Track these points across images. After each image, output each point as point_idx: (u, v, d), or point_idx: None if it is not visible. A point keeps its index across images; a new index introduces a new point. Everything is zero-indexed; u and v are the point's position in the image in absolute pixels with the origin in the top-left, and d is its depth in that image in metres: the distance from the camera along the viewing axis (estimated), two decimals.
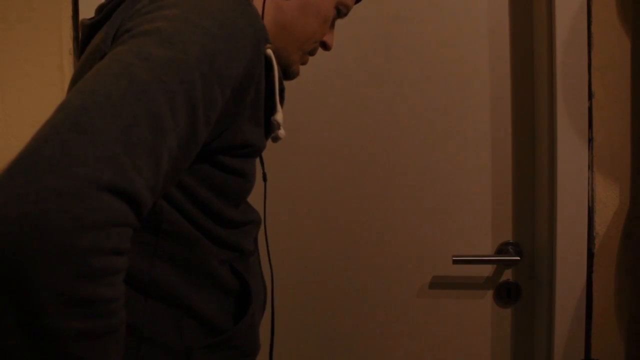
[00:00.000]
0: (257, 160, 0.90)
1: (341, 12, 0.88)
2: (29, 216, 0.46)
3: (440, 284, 1.43)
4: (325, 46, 0.91)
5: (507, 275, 1.42)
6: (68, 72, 1.35)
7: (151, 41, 0.58)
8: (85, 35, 0.80)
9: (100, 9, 0.78)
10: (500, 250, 1.41)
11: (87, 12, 1.32)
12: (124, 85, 0.54)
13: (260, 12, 0.79)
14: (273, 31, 0.82)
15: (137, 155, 0.52)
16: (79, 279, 0.48)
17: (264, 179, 0.92)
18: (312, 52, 0.90)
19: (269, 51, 0.69)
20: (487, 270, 1.42)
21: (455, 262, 1.36)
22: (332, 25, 0.90)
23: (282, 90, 0.74)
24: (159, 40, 0.58)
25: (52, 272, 0.46)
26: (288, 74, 0.89)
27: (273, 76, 0.71)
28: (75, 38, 1.36)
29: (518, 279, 1.41)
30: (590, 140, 1.27)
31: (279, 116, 0.73)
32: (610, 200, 1.28)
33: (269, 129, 0.75)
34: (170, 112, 0.56)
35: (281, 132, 0.75)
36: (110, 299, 0.51)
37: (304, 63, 0.90)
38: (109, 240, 0.49)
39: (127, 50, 0.58)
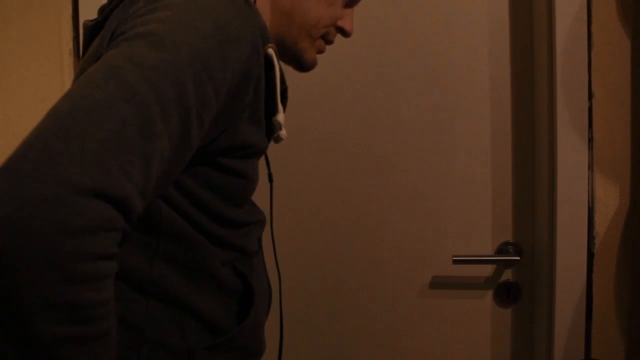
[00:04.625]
0: (262, 160, 0.88)
1: None
2: (13, 221, 0.45)
3: (440, 284, 1.43)
4: (344, 32, 0.86)
5: (507, 275, 1.42)
6: (68, 72, 1.35)
7: (143, 44, 0.57)
8: (87, 37, 0.79)
9: (101, 10, 0.78)
10: (500, 250, 1.41)
11: (87, 12, 1.32)
12: (112, 89, 0.53)
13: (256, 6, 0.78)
14: (274, 20, 0.80)
15: (126, 159, 0.51)
16: (65, 285, 0.47)
17: (270, 179, 0.91)
18: (327, 39, 0.85)
19: (270, 50, 0.68)
20: (487, 270, 1.42)
21: (455, 262, 1.36)
22: (349, 8, 0.85)
23: (284, 90, 0.74)
24: (150, 43, 0.57)
25: (37, 277, 0.46)
26: (301, 63, 0.85)
27: (274, 76, 0.70)
28: (76, 38, 1.35)
29: (518, 279, 1.41)
30: (590, 140, 1.27)
31: (280, 117, 0.72)
32: (610, 200, 1.28)
33: (271, 129, 0.74)
34: (161, 114, 0.55)
35: (283, 132, 0.74)
36: (97, 304, 0.50)
37: (320, 52, 0.86)
38: (95, 246, 0.48)
39: (118, 53, 0.57)
